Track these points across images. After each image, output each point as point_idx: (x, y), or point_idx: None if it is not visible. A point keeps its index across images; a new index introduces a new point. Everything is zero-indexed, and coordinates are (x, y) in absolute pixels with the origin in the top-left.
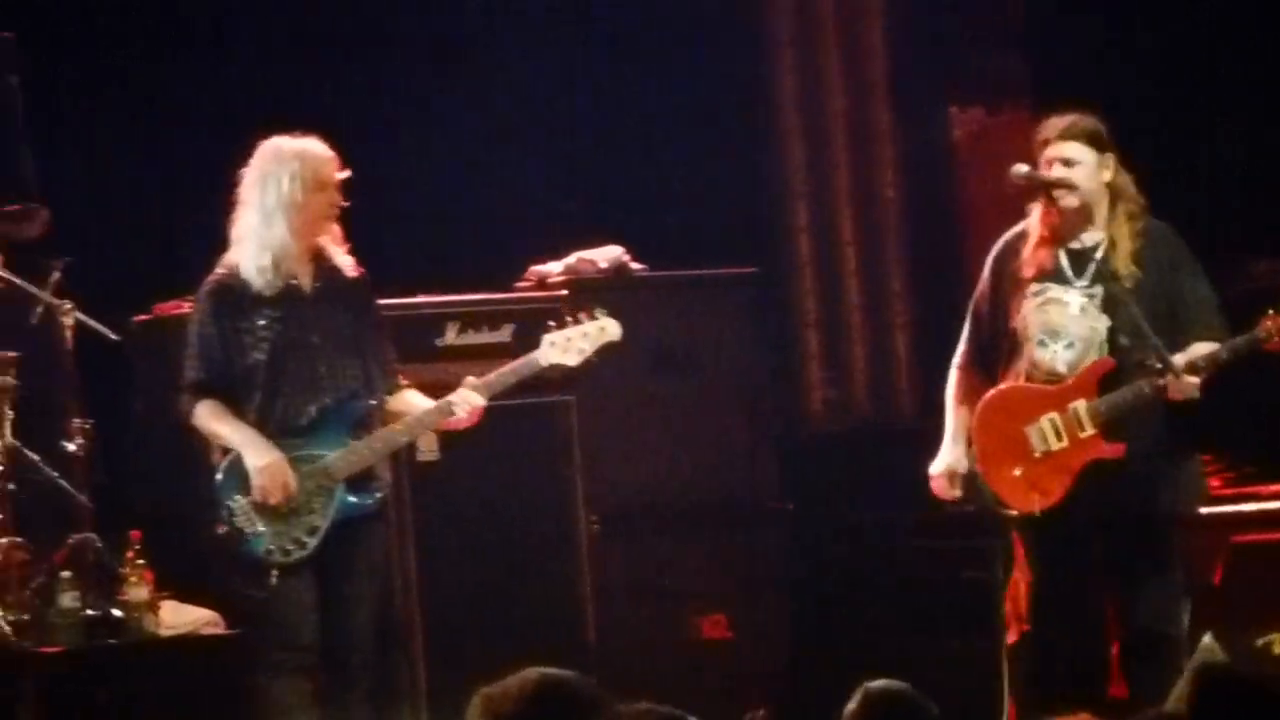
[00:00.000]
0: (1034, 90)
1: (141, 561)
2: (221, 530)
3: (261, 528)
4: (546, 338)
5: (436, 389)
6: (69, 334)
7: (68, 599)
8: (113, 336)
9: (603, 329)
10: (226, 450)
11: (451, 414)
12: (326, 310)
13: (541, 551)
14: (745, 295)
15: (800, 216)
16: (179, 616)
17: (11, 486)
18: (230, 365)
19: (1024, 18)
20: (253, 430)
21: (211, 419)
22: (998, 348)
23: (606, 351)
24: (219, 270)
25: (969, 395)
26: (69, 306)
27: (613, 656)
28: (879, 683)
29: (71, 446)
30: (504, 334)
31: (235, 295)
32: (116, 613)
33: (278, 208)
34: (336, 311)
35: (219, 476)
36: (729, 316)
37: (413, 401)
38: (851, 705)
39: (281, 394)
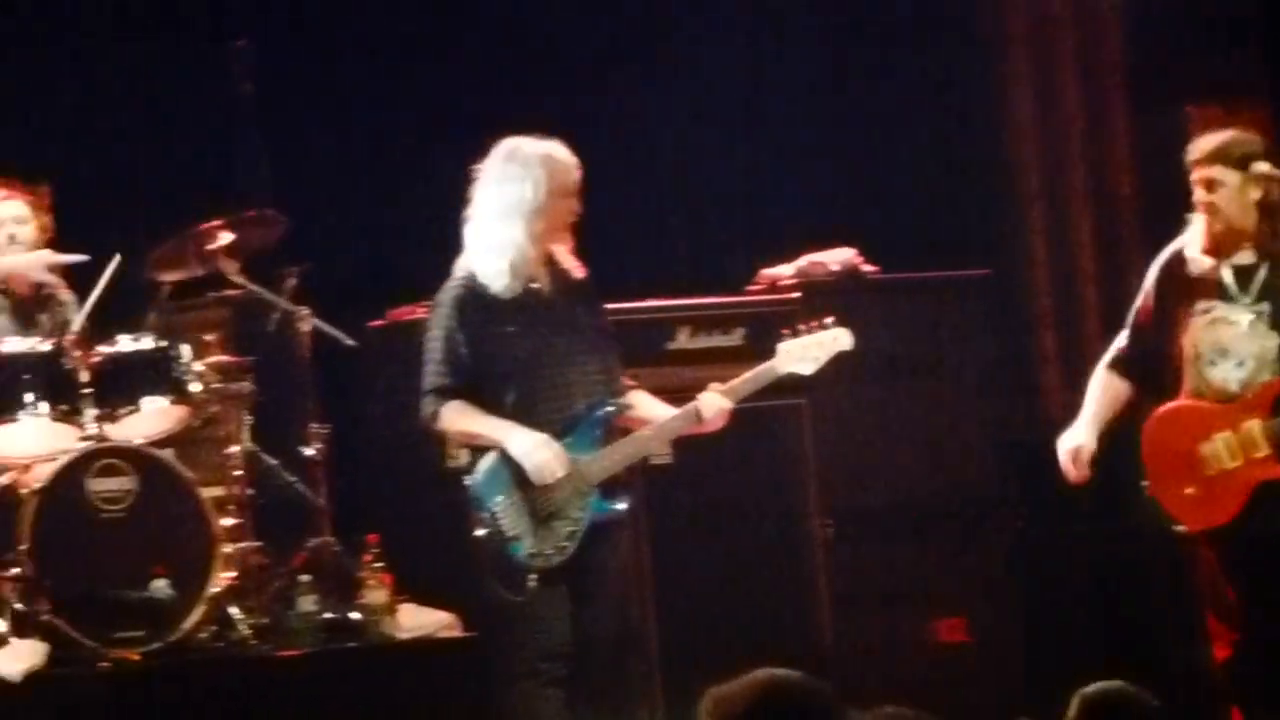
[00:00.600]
0: (1272, 88)
1: (379, 565)
2: (482, 532)
3: (523, 531)
4: (781, 346)
5: (667, 393)
6: (306, 340)
7: (307, 603)
8: (349, 342)
9: (835, 338)
10: (476, 450)
11: (701, 419)
12: (566, 314)
13: (774, 555)
14: (980, 297)
15: (1036, 217)
16: (417, 619)
17: (250, 492)
18: (476, 370)
19: (1262, 15)
20: (509, 420)
21: (462, 417)
22: (1158, 362)
23: (838, 360)
24: (458, 275)
25: (1110, 391)
26: (306, 313)
27: (848, 661)
28: (1095, 686)
29: (309, 451)
30: (735, 337)
31: (478, 300)
32: (355, 616)
33: (518, 212)
34: (575, 314)
35: (478, 478)
36: (963, 319)
37: (648, 404)
38: (1071, 713)
39: (533, 400)
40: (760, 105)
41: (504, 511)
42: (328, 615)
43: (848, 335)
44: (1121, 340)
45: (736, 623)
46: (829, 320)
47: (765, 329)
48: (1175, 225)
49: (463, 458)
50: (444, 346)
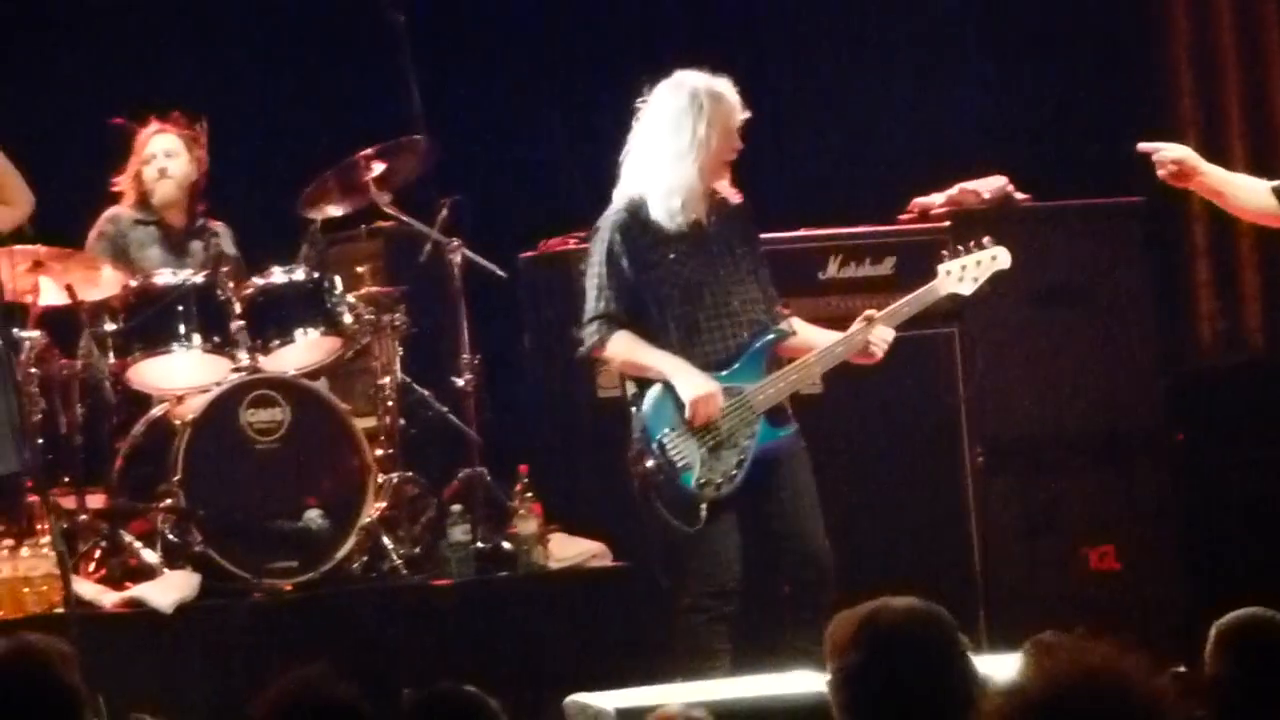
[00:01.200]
0: None
1: (530, 495)
2: (650, 464)
3: (692, 461)
4: (941, 267)
5: (819, 321)
6: (457, 271)
7: (458, 532)
8: (500, 273)
9: (994, 257)
10: (641, 382)
11: (866, 347)
12: (726, 246)
13: (926, 485)
14: (1133, 225)
15: (1190, 143)
16: (567, 549)
17: (402, 422)
18: (641, 299)
19: None
20: (680, 358)
21: (632, 348)
22: None
23: (998, 281)
24: (624, 203)
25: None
26: (457, 243)
27: (999, 589)
28: (1233, 614)
29: (461, 382)
30: (885, 267)
31: (645, 230)
32: (506, 545)
33: (691, 149)
34: (735, 245)
35: (646, 409)
36: (1116, 246)
37: (807, 330)
38: (1209, 643)
39: (700, 330)
40: (911, 32)
41: (673, 442)
42: (479, 545)
43: (1006, 254)
44: None
45: (888, 552)
46: (986, 240)
47: (916, 258)
48: None
49: (628, 388)
50: (609, 272)
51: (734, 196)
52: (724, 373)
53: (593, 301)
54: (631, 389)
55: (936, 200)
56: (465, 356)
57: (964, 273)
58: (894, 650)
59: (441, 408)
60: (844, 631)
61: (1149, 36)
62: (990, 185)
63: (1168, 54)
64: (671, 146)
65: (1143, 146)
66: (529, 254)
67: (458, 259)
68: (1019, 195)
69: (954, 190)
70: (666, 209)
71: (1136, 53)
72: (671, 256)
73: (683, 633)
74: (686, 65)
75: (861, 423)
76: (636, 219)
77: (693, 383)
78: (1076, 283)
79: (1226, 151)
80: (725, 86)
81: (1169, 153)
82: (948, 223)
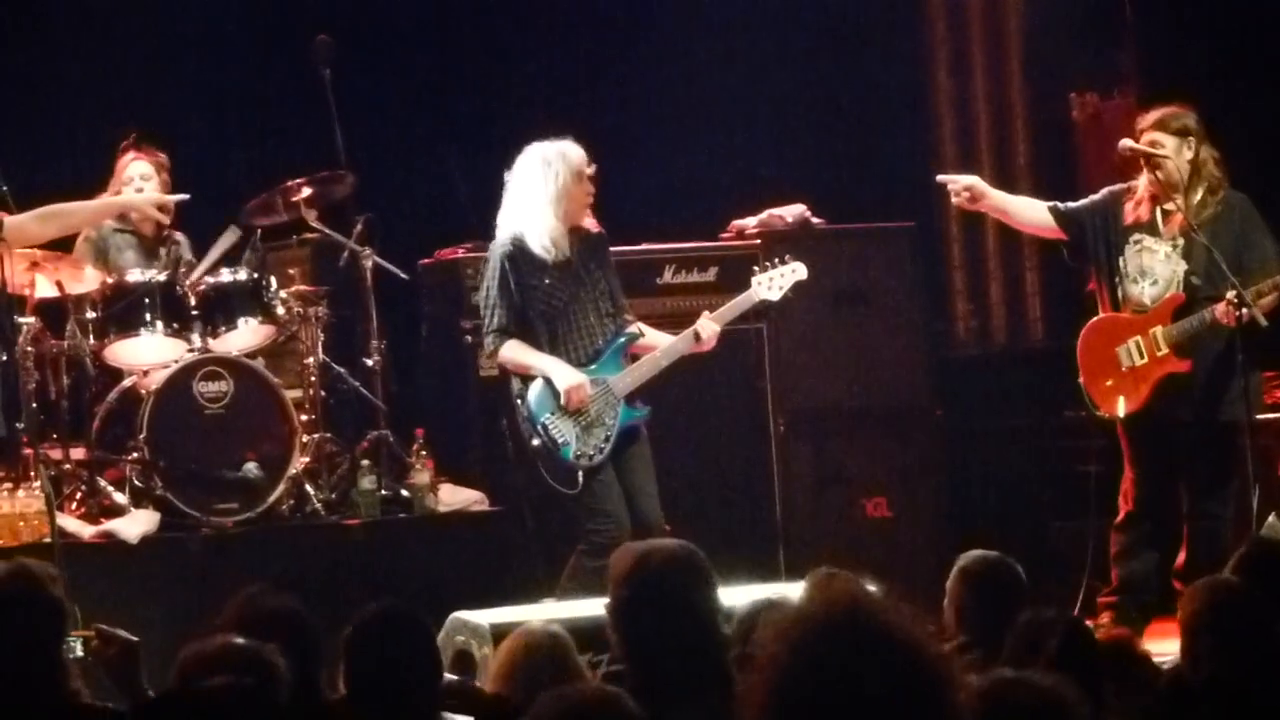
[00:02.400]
0: (1140, 80)
1: (424, 453)
2: (536, 443)
3: (569, 438)
4: (755, 279)
5: (656, 317)
6: (369, 275)
7: (367, 482)
8: (403, 276)
9: (794, 270)
10: (526, 379)
11: (700, 340)
12: (587, 269)
13: (740, 448)
14: (905, 243)
15: (949, 165)
16: (454, 496)
17: (323, 394)
18: (524, 314)
19: (1134, 17)
20: (555, 357)
21: (521, 352)
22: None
23: (797, 289)
24: (508, 236)
25: (1032, 209)
26: (368, 252)
27: (794, 532)
28: (970, 555)
29: (370, 362)
30: (710, 275)
31: (525, 260)
32: (405, 493)
33: (554, 198)
34: (594, 268)
35: (531, 399)
36: (892, 260)
37: (652, 333)
38: (950, 579)
39: (569, 337)
40: (731, 86)
41: (553, 424)
42: (384, 492)
43: (804, 267)
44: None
45: (708, 503)
46: (788, 256)
47: (734, 268)
48: (1061, 187)
49: (515, 384)
50: (500, 293)
51: (593, 228)
52: (591, 367)
53: (489, 317)
54: (518, 385)
55: (750, 222)
56: (374, 342)
57: (772, 282)
58: (655, 589)
59: (354, 382)
60: (619, 567)
61: (920, 92)
62: (793, 211)
63: (934, 104)
64: (540, 197)
65: (940, 178)
66: (426, 261)
67: (369, 264)
68: (815, 220)
69: (764, 214)
70: (541, 245)
71: (909, 100)
72: (547, 281)
73: (585, 569)
74: (549, 120)
75: (689, 401)
76: (520, 251)
77: (566, 376)
78: (860, 289)
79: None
80: (571, 147)
81: (961, 180)
82: (758, 240)
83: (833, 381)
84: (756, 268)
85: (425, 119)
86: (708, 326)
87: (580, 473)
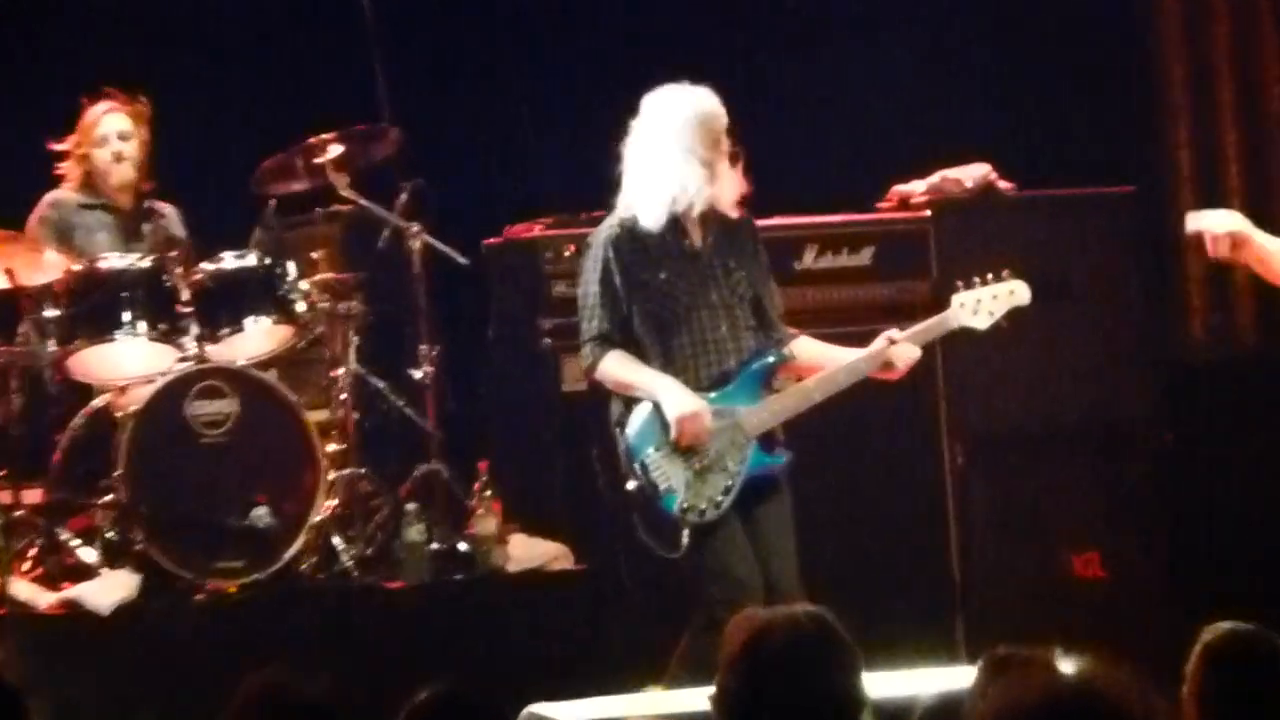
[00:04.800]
0: None
1: (490, 493)
2: (633, 485)
3: (676, 484)
4: (956, 298)
5: (795, 313)
6: (418, 258)
7: (414, 532)
8: (462, 260)
9: (1012, 291)
10: (629, 402)
11: (891, 368)
12: (722, 265)
13: (903, 484)
14: (1122, 215)
15: (1181, 133)
16: (528, 551)
17: (356, 416)
18: (631, 319)
19: None
20: (669, 376)
21: (623, 367)
22: None
23: (1014, 316)
24: (617, 218)
25: None
26: (417, 229)
27: (978, 593)
28: (1221, 627)
29: (419, 374)
30: (864, 257)
31: (636, 247)
32: (464, 547)
33: (682, 164)
34: (733, 265)
35: (631, 429)
36: (1104, 238)
37: (813, 351)
38: (1192, 659)
39: (690, 352)
40: (890, 13)
41: (656, 464)
42: (435, 546)
43: (1026, 289)
44: None
45: (863, 555)
46: (1005, 272)
47: (895, 247)
48: None
49: (615, 408)
50: (603, 291)
51: (733, 212)
52: (715, 394)
53: (587, 321)
54: (618, 409)
55: (917, 188)
56: (424, 348)
57: (979, 305)
58: (770, 675)
59: (398, 401)
60: (731, 645)
61: (1141, 21)
62: (973, 173)
63: (1160, 38)
64: (662, 162)
65: (1191, 224)
66: (493, 241)
67: (418, 245)
68: (1003, 184)
69: (935, 178)
70: (659, 222)
71: (1128, 36)
72: (663, 276)
73: (689, 651)
74: (664, 60)
75: (837, 418)
76: (630, 235)
77: (679, 401)
78: (1062, 275)
79: (1217, 137)
80: (708, 97)
81: (1220, 226)
82: (928, 211)
83: (1027, 397)
84: (960, 283)
85: (493, 59)
86: (907, 351)
87: (685, 531)
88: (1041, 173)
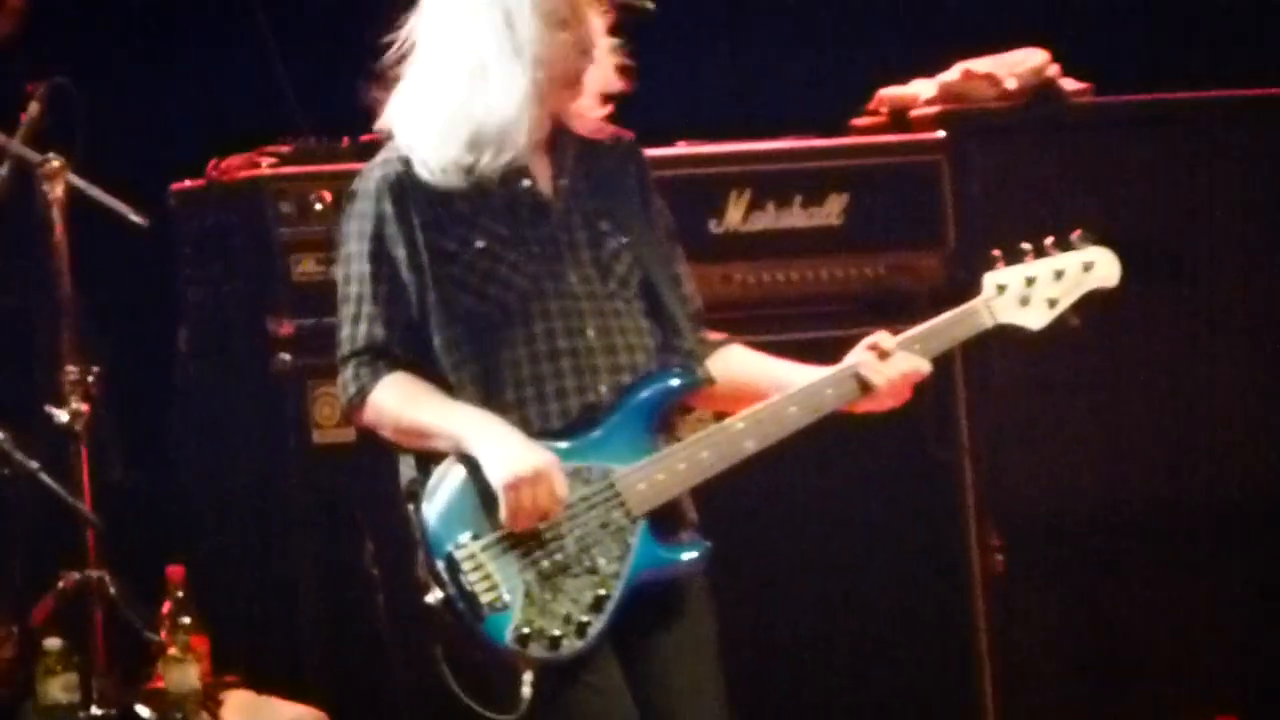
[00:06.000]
0: None
1: (188, 619)
2: (435, 598)
3: (509, 596)
4: (991, 278)
5: (708, 309)
6: (58, 212)
7: (56, 687)
8: (136, 218)
9: (1088, 265)
10: (425, 460)
11: (868, 393)
12: (586, 224)
13: (912, 585)
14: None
15: None
16: (256, 716)
17: None
18: (428, 318)
19: None
20: (489, 413)
21: (410, 400)
22: None
23: (1089, 305)
24: (394, 154)
25: None
26: (58, 163)
27: None
28: None
29: (64, 416)
30: (830, 210)
31: (432, 198)
32: (144, 712)
33: (510, 58)
34: (603, 225)
35: (430, 507)
36: (1247, 178)
37: (751, 369)
38: None
39: (526, 374)
40: None
41: (474, 563)
42: (96, 712)
43: (1111, 260)
44: None
45: (859, 684)
46: (1077, 234)
47: (882, 195)
48: None
49: (404, 469)
50: (373, 272)
51: (604, 131)
52: (572, 441)
53: (349, 324)
54: (409, 471)
55: (920, 92)
56: (72, 369)
57: (1032, 290)
58: None
59: (28, 463)
60: None
61: None
62: (1017, 65)
63: None
64: (474, 57)
65: None
66: (188, 184)
67: (58, 191)
68: (1070, 84)
69: (951, 73)
70: (456, 158)
71: None
72: (480, 244)
73: None
74: None
75: (816, 487)
76: (417, 182)
77: (510, 455)
78: (1172, 242)
79: None
80: None
81: None
82: (940, 132)
83: (1108, 456)
84: (999, 253)
85: None
86: (905, 366)
87: (526, 676)
88: (1133, 67)
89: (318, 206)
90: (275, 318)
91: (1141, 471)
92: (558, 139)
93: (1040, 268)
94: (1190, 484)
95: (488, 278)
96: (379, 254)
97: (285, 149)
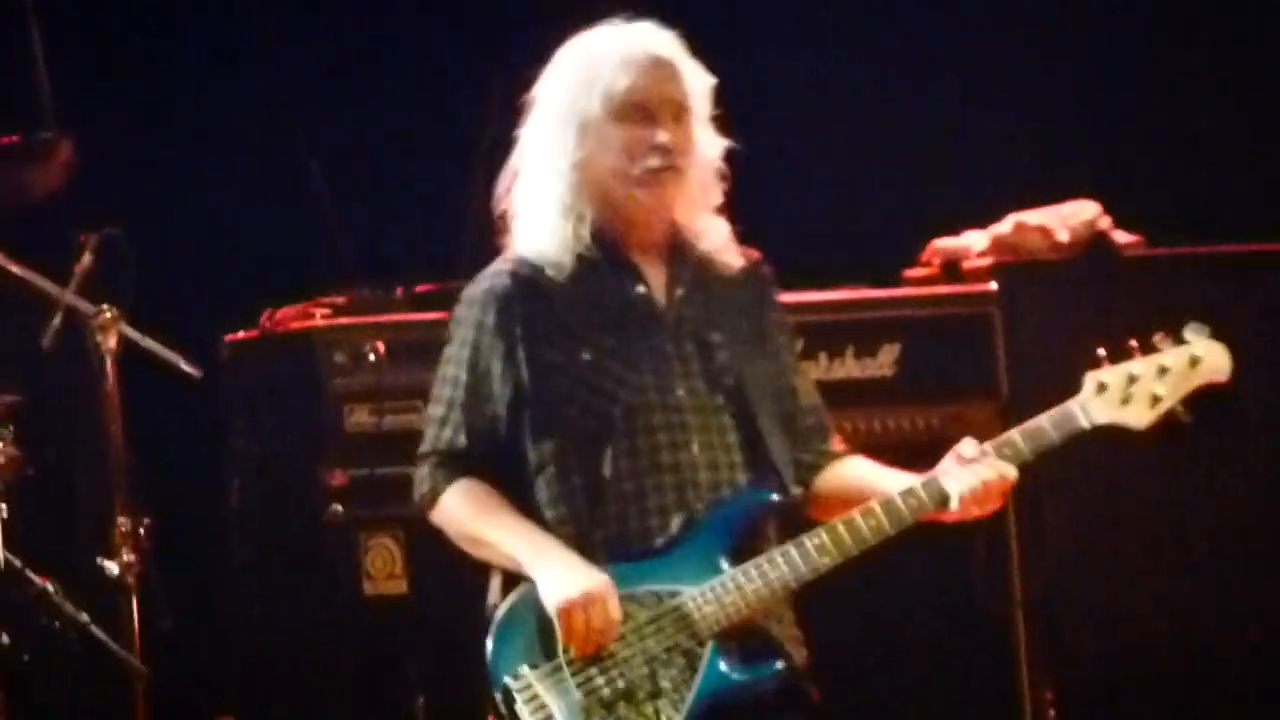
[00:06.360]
0: None
1: None
2: None
3: None
4: (1092, 377)
5: None
6: (110, 361)
7: None
8: (190, 369)
9: (1195, 359)
10: (507, 578)
11: (948, 507)
12: (695, 334)
13: None
14: None
15: None
16: None
17: (4, 641)
18: (523, 422)
19: None
20: (553, 538)
21: (473, 509)
22: None
23: (1200, 402)
24: (512, 260)
25: None
26: (110, 314)
27: None
28: None
29: (114, 567)
30: (882, 362)
31: (531, 314)
32: None
33: (582, 164)
34: (714, 335)
35: (491, 633)
36: None
37: (863, 478)
38: None
39: (628, 490)
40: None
41: (527, 692)
42: None
43: (1221, 353)
44: None
45: None
46: (1190, 330)
47: (935, 345)
48: None
49: (492, 586)
50: (469, 379)
51: (728, 248)
52: (639, 561)
53: (434, 426)
54: (493, 598)
55: (973, 243)
56: (123, 520)
57: (1134, 388)
58: None
59: (77, 614)
60: None
61: None
62: (1069, 217)
63: None
64: (549, 158)
65: None
66: (241, 335)
67: (112, 341)
68: (1122, 236)
69: (1004, 226)
70: (568, 266)
71: None
72: (586, 357)
73: None
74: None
75: (849, 639)
76: (532, 285)
77: (562, 578)
78: (1224, 390)
79: None
80: (618, 33)
81: None
82: (992, 283)
83: (1170, 598)
84: (1102, 351)
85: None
86: (990, 474)
87: None
88: (1181, 218)
89: (371, 358)
90: (327, 468)
91: (1207, 624)
92: (677, 249)
93: (1144, 365)
94: (1263, 642)
95: (593, 390)
96: (475, 364)
97: (339, 300)
